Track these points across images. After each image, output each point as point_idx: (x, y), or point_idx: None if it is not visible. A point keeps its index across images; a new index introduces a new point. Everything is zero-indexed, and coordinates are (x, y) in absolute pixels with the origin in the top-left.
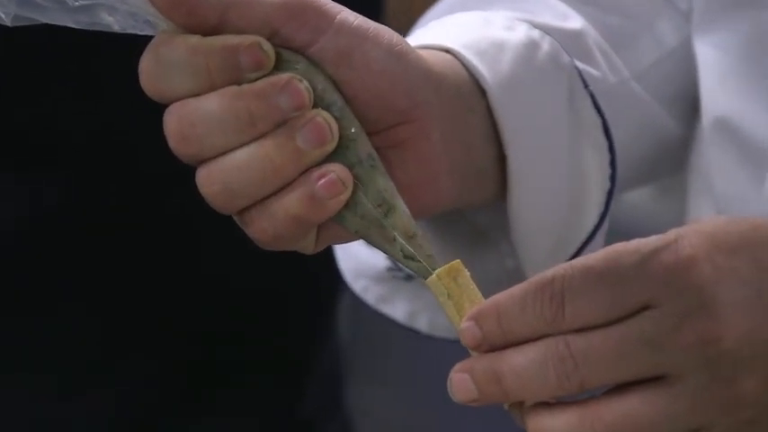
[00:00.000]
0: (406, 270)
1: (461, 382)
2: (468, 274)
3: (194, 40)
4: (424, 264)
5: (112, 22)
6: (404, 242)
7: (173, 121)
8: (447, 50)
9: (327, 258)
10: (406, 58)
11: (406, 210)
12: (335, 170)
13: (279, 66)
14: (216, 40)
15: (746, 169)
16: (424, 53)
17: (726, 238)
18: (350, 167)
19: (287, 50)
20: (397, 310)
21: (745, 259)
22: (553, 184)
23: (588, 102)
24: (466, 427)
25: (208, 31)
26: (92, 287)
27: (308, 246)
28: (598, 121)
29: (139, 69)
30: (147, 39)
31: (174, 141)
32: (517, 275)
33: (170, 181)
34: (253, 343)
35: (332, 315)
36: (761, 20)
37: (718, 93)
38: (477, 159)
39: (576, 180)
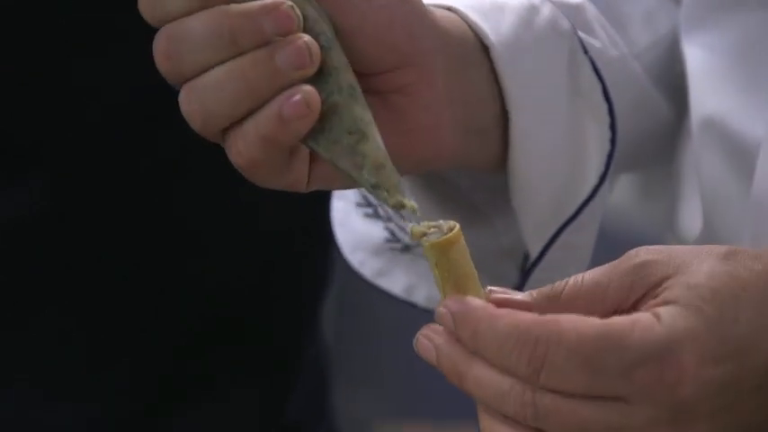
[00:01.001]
0: (404, 241)
1: (426, 350)
2: (464, 243)
3: None
4: (389, 194)
5: None
6: (372, 169)
7: (162, 42)
8: (449, 9)
9: (314, 261)
10: (410, 1)
11: (380, 140)
12: (303, 91)
13: None
14: None
15: (733, 169)
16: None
17: (718, 344)
18: (328, 95)
19: None
20: (395, 283)
21: (729, 368)
22: (554, 144)
23: (588, 66)
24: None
25: None
26: (77, 291)
27: (298, 180)
28: (598, 86)
29: None
30: (133, 35)
31: (159, 59)
32: (512, 253)
33: (155, 185)
34: (237, 347)
35: (317, 319)
36: (749, 21)
37: (707, 93)
38: (479, 117)
39: (577, 141)
